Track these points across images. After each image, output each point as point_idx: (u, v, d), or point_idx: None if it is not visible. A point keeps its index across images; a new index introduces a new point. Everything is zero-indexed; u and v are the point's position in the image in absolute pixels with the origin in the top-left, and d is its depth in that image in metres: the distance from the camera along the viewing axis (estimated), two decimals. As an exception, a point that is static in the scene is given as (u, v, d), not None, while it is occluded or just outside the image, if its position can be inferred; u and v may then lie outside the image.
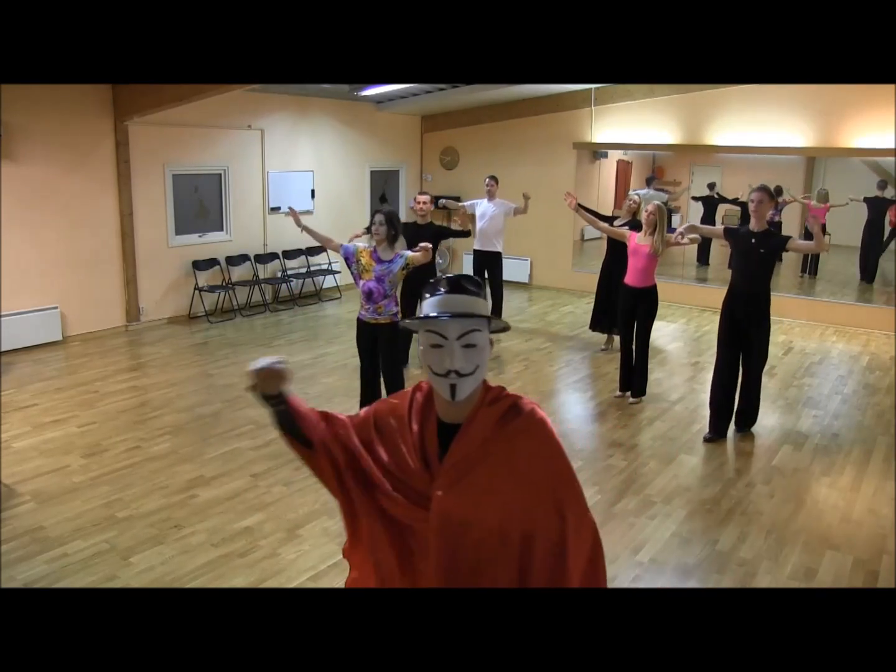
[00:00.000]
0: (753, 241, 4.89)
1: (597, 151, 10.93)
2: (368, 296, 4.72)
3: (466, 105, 10.54)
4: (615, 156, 12.41)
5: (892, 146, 8.05)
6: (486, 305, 1.59)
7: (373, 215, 4.80)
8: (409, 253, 4.78)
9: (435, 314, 1.50)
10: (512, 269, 10.78)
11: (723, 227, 5.33)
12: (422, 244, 4.82)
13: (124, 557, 3.59)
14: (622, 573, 3.54)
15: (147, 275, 8.01)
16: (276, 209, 9.31)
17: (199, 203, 8.60)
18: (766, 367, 7.03)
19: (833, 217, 11.27)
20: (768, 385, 6.48)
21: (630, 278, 5.78)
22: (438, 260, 11.25)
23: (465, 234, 6.80)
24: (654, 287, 5.78)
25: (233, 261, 8.74)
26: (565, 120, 10.20)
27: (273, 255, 9.22)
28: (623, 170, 13.16)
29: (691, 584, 3.50)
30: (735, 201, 10.80)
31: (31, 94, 6.75)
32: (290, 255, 9.41)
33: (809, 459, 4.94)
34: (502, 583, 1.60)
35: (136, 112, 7.25)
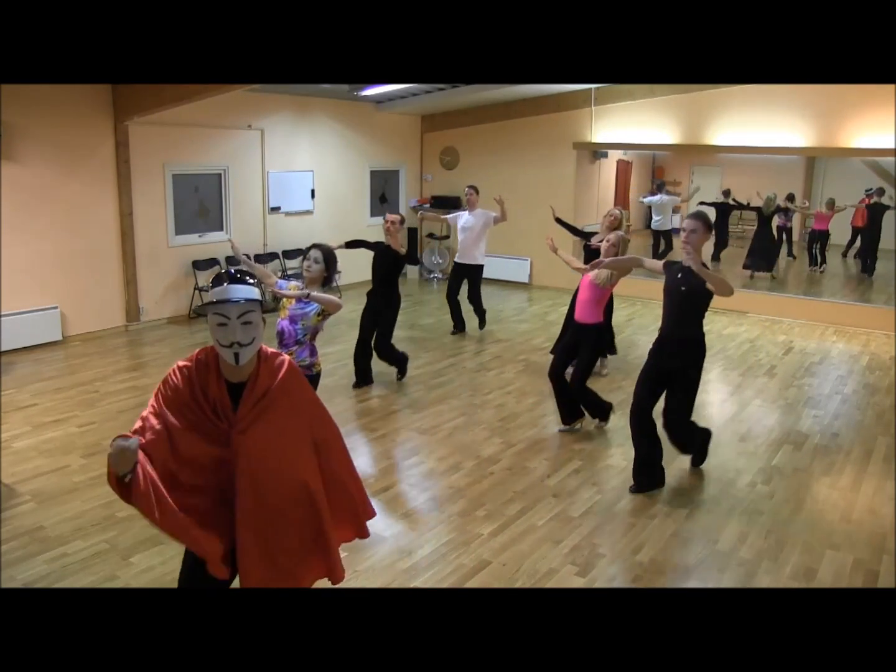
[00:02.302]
0: (679, 275, 4.12)
1: (597, 151, 10.93)
2: (280, 338, 3.93)
3: (466, 105, 10.54)
4: (615, 156, 12.42)
5: (892, 146, 8.05)
6: (258, 292, 2.10)
7: (308, 249, 4.08)
8: (313, 294, 3.82)
9: (221, 300, 2.01)
10: (512, 269, 10.78)
11: (663, 262, 4.39)
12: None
13: (124, 557, 3.58)
14: (622, 573, 3.54)
15: (147, 275, 8.00)
16: (276, 209, 9.31)
17: (199, 203, 8.60)
18: (766, 367, 7.07)
19: (833, 219, 11.37)
20: (768, 385, 6.48)
21: (577, 311, 5.15)
22: (438, 260, 11.26)
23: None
24: (599, 326, 5.09)
25: (233, 261, 8.72)
26: (565, 120, 10.19)
27: (273, 255, 9.22)
28: (623, 170, 13.17)
29: (691, 584, 3.50)
30: (751, 207, 10.82)
31: (31, 94, 6.74)
32: (290, 255, 9.41)
33: (809, 459, 4.94)
34: (302, 489, 2.16)
35: (136, 112, 7.24)
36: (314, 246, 4.08)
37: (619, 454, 4.94)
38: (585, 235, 6.89)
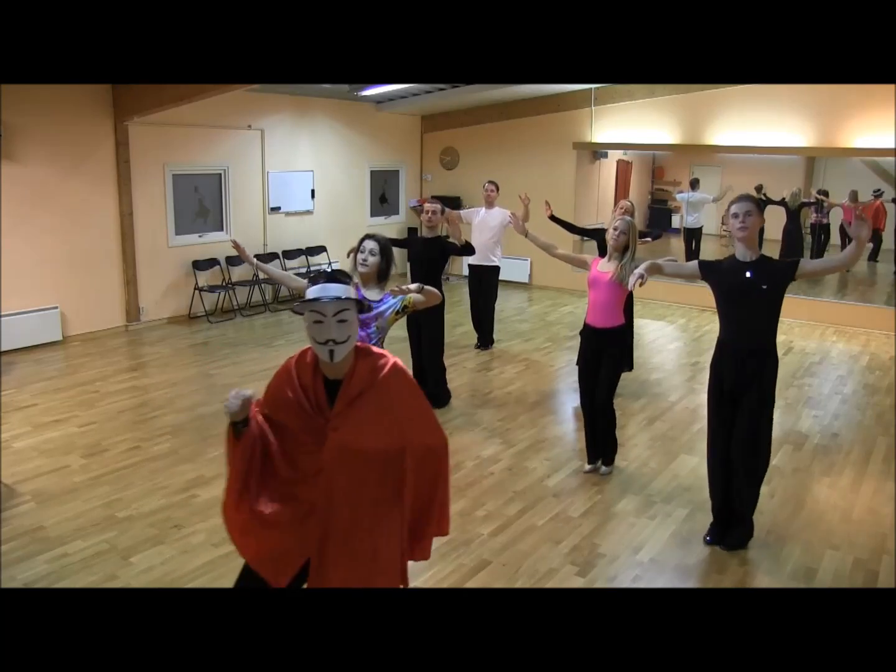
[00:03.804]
0: (749, 274, 3.47)
1: (597, 151, 10.91)
2: None
3: (466, 105, 10.54)
4: (615, 156, 12.41)
5: (892, 146, 8.05)
6: (353, 291, 2.14)
7: (361, 241, 3.64)
8: (412, 294, 3.50)
9: (317, 298, 2.05)
10: (512, 269, 10.77)
11: (696, 261, 3.75)
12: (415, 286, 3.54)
13: (124, 557, 3.59)
14: (622, 573, 3.54)
15: (147, 275, 8.00)
16: (276, 209, 9.31)
17: (199, 203, 8.60)
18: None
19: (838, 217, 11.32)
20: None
21: (591, 316, 4.46)
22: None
23: (468, 250, 5.62)
24: (622, 328, 4.50)
25: (233, 261, 8.73)
26: (565, 120, 10.19)
27: (273, 255, 9.22)
28: (623, 170, 13.16)
29: (691, 584, 3.50)
30: (782, 202, 10.70)
31: (31, 94, 6.74)
32: (290, 254, 9.41)
33: (809, 459, 4.94)
34: (385, 490, 2.15)
35: (136, 112, 7.24)
36: (368, 237, 3.64)
37: (620, 454, 4.94)
38: (586, 233, 6.48)
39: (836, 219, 11.48)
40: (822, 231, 11.49)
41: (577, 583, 3.44)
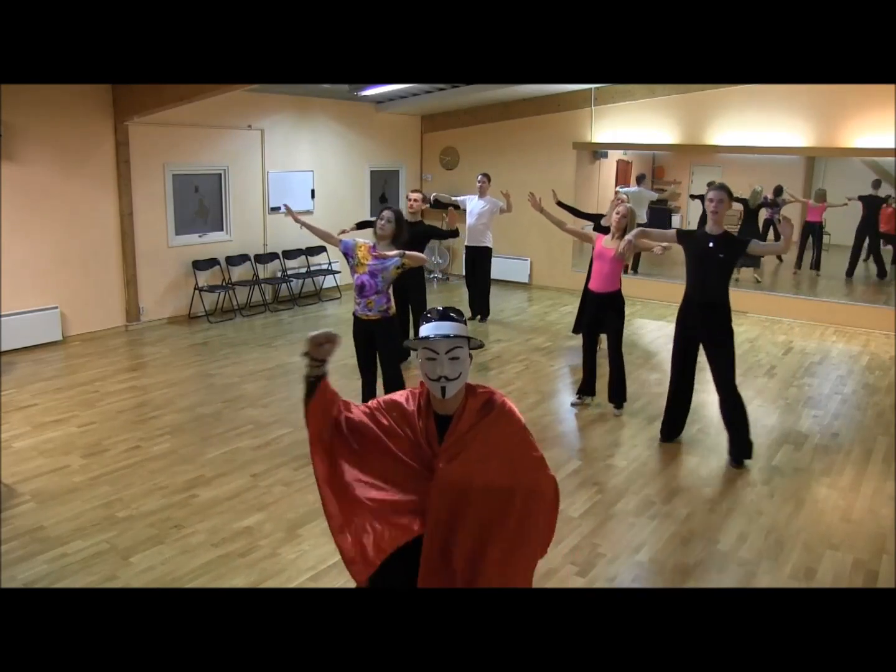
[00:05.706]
0: (711, 244, 4.58)
1: (597, 151, 10.91)
2: (360, 289, 4.75)
3: (466, 105, 10.54)
4: (615, 156, 12.40)
5: (892, 146, 8.05)
6: (466, 329, 2.14)
7: (381, 211, 4.83)
8: (408, 252, 4.76)
9: (430, 336, 2.08)
10: (512, 269, 10.78)
11: (675, 230, 4.93)
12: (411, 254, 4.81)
13: (124, 557, 3.59)
14: (622, 573, 3.54)
15: (147, 275, 8.00)
16: (276, 209, 9.31)
17: (199, 203, 8.60)
18: (766, 367, 7.06)
19: (831, 217, 11.32)
20: (768, 385, 6.48)
21: (594, 283, 5.56)
22: (438, 259, 11.25)
23: (454, 234, 6.80)
24: (619, 292, 5.54)
25: (233, 261, 8.73)
26: (565, 120, 10.19)
27: (273, 255, 9.22)
28: (623, 170, 13.15)
29: (691, 584, 3.50)
30: (737, 198, 10.65)
31: (31, 94, 6.74)
32: (290, 254, 9.41)
33: (809, 459, 4.94)
34: (493, 528, 2.13)
35: (136, 112, 7.24)
36: (386, 208, 4.85)
37: (620, 454, 4.94)
38: (589, 217, 7.41)
39: (792, 216, 11.38)
40: (773, 229, 11.39)
41: (577, 583, 3.44)
